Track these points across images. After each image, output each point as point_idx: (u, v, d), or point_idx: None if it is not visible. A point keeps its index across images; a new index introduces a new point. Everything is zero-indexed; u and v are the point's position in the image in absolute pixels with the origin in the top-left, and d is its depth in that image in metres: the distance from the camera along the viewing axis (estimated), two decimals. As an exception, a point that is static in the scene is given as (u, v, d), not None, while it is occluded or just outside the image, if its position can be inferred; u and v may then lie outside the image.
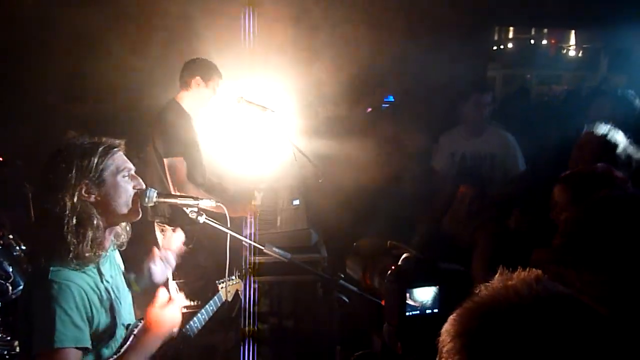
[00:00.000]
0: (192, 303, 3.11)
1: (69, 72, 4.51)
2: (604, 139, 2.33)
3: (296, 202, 3.35)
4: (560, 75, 11.25)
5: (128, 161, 1.75)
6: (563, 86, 10.79)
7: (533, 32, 9.94)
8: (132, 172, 1.75)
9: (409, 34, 6.60)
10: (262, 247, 1.98)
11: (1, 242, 2.81)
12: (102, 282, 1.68)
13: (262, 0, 5.09)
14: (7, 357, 2.46)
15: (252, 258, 2.62)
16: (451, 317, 0.77)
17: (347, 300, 1.97)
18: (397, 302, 1.22)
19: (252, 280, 2.65)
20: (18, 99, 4.35)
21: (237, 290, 2.51)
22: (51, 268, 1.53)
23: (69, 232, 1.55)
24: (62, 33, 4.39)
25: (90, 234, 1.58)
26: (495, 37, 10.20)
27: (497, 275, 0.79)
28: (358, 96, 5.21)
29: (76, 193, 1.57)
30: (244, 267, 2.63)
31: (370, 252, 1.43)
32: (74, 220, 1.56)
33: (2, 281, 2.70)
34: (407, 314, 1.22)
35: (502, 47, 10.46)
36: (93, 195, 1.61)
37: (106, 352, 1.66)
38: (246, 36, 4.89)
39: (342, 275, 1.97)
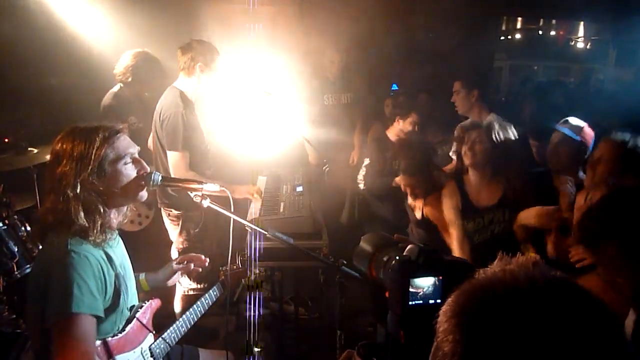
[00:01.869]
0: (198, 286, 3.15)
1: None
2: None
3: (299, 188, 3.36)
4: (568, 67, 11.17)
5: (131, 144, 1.75)
6: (570, 78, 10.73)
7: (541, 23, 9.84)
8: (135, 155, 1.75)
9: (418, 24, 6.57)
10: (266, 232, 1.99)
11: (7, 221, 2.82)
12: (112, 259, 1.71)
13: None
14: (13, 335, 2.48)
15: (255, 243, 2.64)
16: (449, 299, 0.77)
17: (346, 284, 1.99)
18: (400, 291, 1.23)
19: (254, 266, 2.67)
20: (25, 81, 4.33)
21: (239, 277, 2.53)
22: (70, 240, 1.56)
23: (78, 219, 1.58)
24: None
25: (98, 220, 1.61)
26: (503, 27, 10.12)
27: (496, 261, 0.80)
28: (366, 85, 5.18)
29: (78, 185, 1.59)
30: (247, 252, 2.65)
31: (376, 245, 1.45)
32: (81, 210, 1.59)
33: (7, 260, 2.73)
34: (410, 303, 1.23)
35: (509, 37, 10.37)
36: (95, 184, 1.63)
37: (107, 327, 1.69)
38: (252, 20, 4.86)
39: (344, 262, 1.99)
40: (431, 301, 1.24)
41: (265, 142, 3.86)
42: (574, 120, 2.94)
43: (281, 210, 2.98)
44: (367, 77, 5.35)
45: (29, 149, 3.17)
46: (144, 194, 1.77)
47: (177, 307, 3.27)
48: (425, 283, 1.25)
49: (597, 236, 1.31)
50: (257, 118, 3.78)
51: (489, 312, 0.70)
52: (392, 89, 6.22)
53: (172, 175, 2.96)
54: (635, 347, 1.50)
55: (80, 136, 1.64)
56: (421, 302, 1.24)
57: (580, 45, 10.70)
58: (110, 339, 1.71)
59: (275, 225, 2.78)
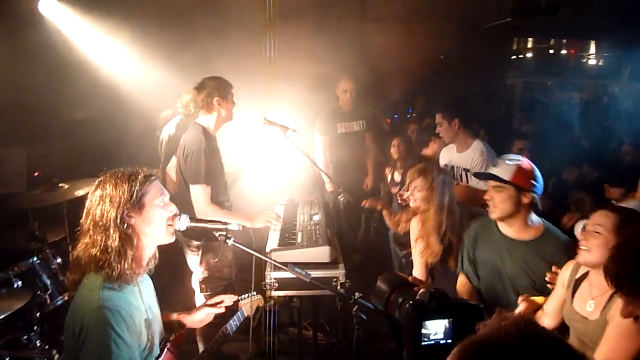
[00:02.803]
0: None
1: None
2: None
3: (316, 217, 3.44)
4: (581, 83, 11.19)
5: (164, 189, 1.90)
6: (583, 95, 10.74)
7: (552, 42, 9.91)
8: (167, 199, 1.90)
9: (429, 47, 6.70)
10: (285, 268, 2.11)
11: (40, 255, 2.98)
12: (142, 301, 1.83)
13: (284, 15, 5.25)
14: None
15: (274, 274, 2.75)
16: (453, 350, 0.89)
17: (365, 318, 2.07)
18: (413, 333, 1.36)
19: (272, 295, 2.77)
20: (53, 115, 4.55)
21: (257, 306, 2.63)
22: (102, 293, 1.67)
23: (112, 250, 1.70)
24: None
25: (130, 253, 1.73)
26: (515, 47, 10.21)
27: (495, 315, 0.91)
28: (379, 111, 5.31)
29: (119, 215, 1.72)
30: (266, 282, 2.76)
31: (393, 285, 1.57)
32: (117, 241, 1.71)
33: (41, 293, 2.88)
34: (423, 343, 1.35)
35: (521, 56, 10.45)
36: (133, 218, 1.77)
37: None
38: (267, 52, 5.04)
39: (361, 294, 2.08)
40: (442, 342, 1.37)
41: (282, 172, 4.00)
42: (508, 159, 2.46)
43: (299, 240, 3.07)
44: (378, 103, 5.48)
45: (60, 184, 3.33)
46: (173, 235, 1.90)
47: (199, 335, 3.37)
48: (436, 325, 1.37)
49: (628, 277, 1.34)
50: (275, 149, 3.93)
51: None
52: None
53: (195, 208, 3.10)
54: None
55: (121, 178, 1.79)
56: (432, 342, 1.37)
57: (592, 61, 10.72)
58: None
59: (293, 255, 2.90)
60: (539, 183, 2.41)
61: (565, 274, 2.18)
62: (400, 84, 7.11)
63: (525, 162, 2.44)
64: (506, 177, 2.36)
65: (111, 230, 1.72)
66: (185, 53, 4.89)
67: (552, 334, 0.86)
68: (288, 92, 5.03)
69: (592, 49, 10.31)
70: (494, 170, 2.43)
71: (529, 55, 10.38)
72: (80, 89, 4.61)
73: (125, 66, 4.71)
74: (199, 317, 2.25)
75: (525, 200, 2.37)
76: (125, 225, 1.75)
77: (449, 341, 1.36)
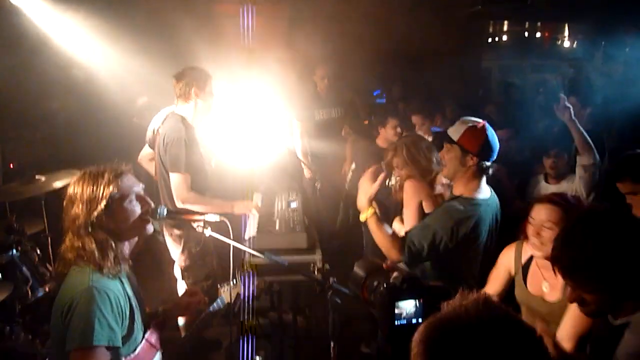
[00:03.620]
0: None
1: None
2: None
3: (294, 204, 3.51)
4: (556, 65, 11.38)
5: (135, 183, 1.93)
6: (557, 76, 10.93)
7: (527, 25, 10.05)
8: (140, 192, 1.93)
9: (406, 34, 6.73)
10: (262, 256, 2.18)
11: (19, 248, 3.00)
12: (126, 290, 1.89)
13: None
14: (30, 356, 2.66)
15: (252, 261, 2.82)
16: (419, 327, 1.01)
17: (339, 301, 2.16)
18: (387, 313, 1.48)
19: (252, 280, 2.85)
20: (27, 106, 4.49)
21: (237, 293, 2.70)
22: (91, 276, 1.74)
23: (92, 252, 1.76)
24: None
25: (111, 254, 1.79)
26: (490, 30, 10.31)
27: (457, 295, 1.03)
28: (356, 98, 5.36)
29: (89, 225, 1.78)
30: (244, 269, 2.83)
31: (368, 271, 1.68)
32: (94, 244, 1.77)
33: (22, 285, 2.91)
34: (396, 323, 1.48)
35: (497, 39, 10.57)
36: (105, 222, 1.82)
37: (123, 351, 1.87)
38: (244, 37, 5.02)
39: (335, 280, 2.17)
40: (413, 321, 1.49)
41: (259, 159, 4.03)
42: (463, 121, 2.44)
43: (277, 227, 3.15)
44: (356, 89, 5.53)
45: (37, 177, 3.33)
46: (150, 228, 1.95)
47: (181, 320, 3.45)
48: (407, 305, 1.49)
49: (571, 268, 1.42)
50: (251, 136, 3.96)
51: (447, 342, 0.96)
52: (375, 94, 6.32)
53: (175, 196, 3.14)
54: (592, 353, 1.70)
55: (88, 180, 1.82)
56: (404, 322, 1.48)
57: (566, 44, 10.90)
58: (123, 360, 1.89)
59: (271, 241, 2.97)
60: (490, 149, 2.36)
61: (506, 260, 2.31)
62: (376, 70, 7.15)
63: (481, 126, 2.37)
64: (454, 138, 2.38)
65: (85, 236, 1.79)
66: (160, 39, 4.85)
67: (506, 311, 0.98)
68: (266, 78, 5.03)
69: (566, 31, 10.47)
70: (449, 130, 2.45)
71: (505, 38, 10.50)
72: (53, 78, 4.56)
73: (98, 54, 4.66)
74: (182, 308, 2.31)
75: (470, 162, 2.36)
76: (100, 229, 1.80)
77: (420, 320, 1.47)
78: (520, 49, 10.33)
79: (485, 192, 2.44)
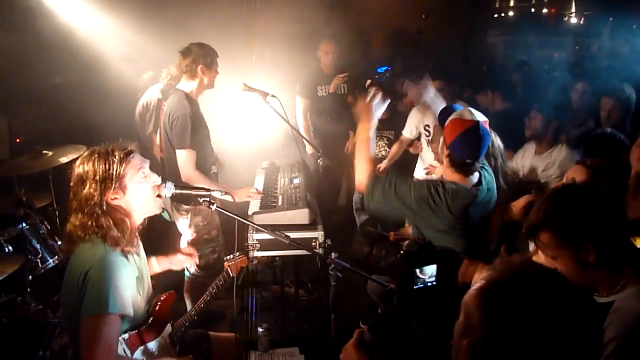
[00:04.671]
0: (205, 274, 3.42)
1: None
2: None
3: (296, 180, 3.56)
4: (562, 42, 11.25)
5: (143, 161, 1.98)
6: (563, 53, 10.82)
7: (533, 1, 9.92)
8: (147, 171, 1.99)
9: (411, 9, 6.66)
10: (265, 231, 2.24)
11: (29, 221, 3.08)
12: (136, 263, 1.97)
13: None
14: (42, 324, 2.75)
15: (256, 235, 2.88)
16: (467, 296, 1.06)
17: (340, 275, 2.23)
18: (408, 280, 1.56)
19: (255, 256, 2.92)
20: (30, 81, 4.51)
21: (241, 266, 2.77)
22: (105, 248, 1.82)
23: (104, 230, 1.82)
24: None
25: (124, 228, 1.86)
26: (497, 5, 10.18)
27: (498, 260, 1.09)
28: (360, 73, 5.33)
29: (104, 202, 1.84)
30: (248, 244, 2.90)
31: (371, 241, 1.75)
32: (106, 222, 1.83)
33: (32, 257, 3.00)
34: (415, 287, 1.57)
35: (502, 14, 10.44)
36: (117, 199, 1.88)
37: (133, 322, 1.96)
38: (246, 13, 5.00)
39: (336, 254, 2.24)
40: (429, 283, 1.59)
41: (263, 136, 4.07)
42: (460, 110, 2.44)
43: (279, 203, 3.20)
44: (360, 65, 5.49)
45: (44, 152, 3.38)
46: (161, 204, 2.02)
47: (187, 293, 3.55)
48: (427, 270, 1.59)
49: (535, 227, 1.55)
50: (255, 113, 3.98)
51: (509, 303, 0.99)
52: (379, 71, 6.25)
53: (181, 173, 3.20)
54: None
55: (98, 159, 1.86)
56: (421, 285, 1.59)
57: (573, 20, 10.77)
58: (135, 332, 1.98)
59: (274, 217, 3.03)
60: (462, 147, 2.28)
61: None
62: (382, 45, 7.10)
63: (465, 119, 2.28)
64: (443, 122, 2.41)
65: (98, 213, 1.84)
66: (162, 15, 4.83)
67: (553, 269, 1.08)
68: (268, 54, 5.02)
69: (573, 7, 10.33)
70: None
71: (511, 13, 10.37)
72: (58, 54, 4.56)
73: (103, 30, 4.65)
74: (177, 261, 2.44)
75: (445, 152, 2.36)
76: (111, 207, 1.86)
77: (434, 282, 1.59)
78: (526, 24, 10.23)
79: (468, 183, 2.36)
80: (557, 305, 0.97)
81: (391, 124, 4.83)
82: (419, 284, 1.57)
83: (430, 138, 4.11)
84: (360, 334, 1.46)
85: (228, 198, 2.30)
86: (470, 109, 2.41)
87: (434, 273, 1.58)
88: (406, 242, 1.64)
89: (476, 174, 2.40)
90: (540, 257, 1.59)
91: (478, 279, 1.08)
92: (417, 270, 1.56)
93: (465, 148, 2.28)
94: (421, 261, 1.57)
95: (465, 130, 2.26)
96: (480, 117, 2.32)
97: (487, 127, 2.34)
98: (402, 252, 1.61)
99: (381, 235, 1.83)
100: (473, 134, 2.26)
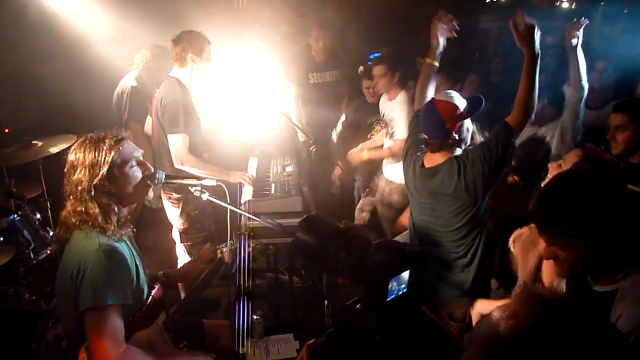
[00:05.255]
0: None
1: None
2: None
3: (289, 168, 3.57)
4: (554, 27, 11.22)
5: (135, 149, 1.98)
6: (556, 38, 10.79)
7: (526, -15, 9.85)
8: (140, 158, 1.98)
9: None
10: (258, 219, 2.25)
11: (20, 212, 3.06)
12: (131, 250, 1.97)
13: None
14: (36, 314, 2.76)
15: (249, 223, 2.88)
16: (470, 334, 1.03)
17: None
18: (381, 292, 1.38)
19: (248, 243, 2.93)
20: (19, 69, 4.43)
21: (235, 254, 2.77)
22: (98, 238, 1.81)
23: (96, 216, 1.82)
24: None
25: (114, 217, 1.86)
26: (489, -10, 10.12)
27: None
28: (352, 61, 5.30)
29: (93, 189, 1.84)
30: (241, 232, 2.90)
31: (324, 238, 1.49)
32: (97, 208, 1.83)
33: (24, 248, 2.98)
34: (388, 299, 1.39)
35: (495, 0, 10.38)
36: (108, 187, 1.88)
37: (129, 310, 1.96)
38: (238, 1, 4.93)
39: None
40: (400, 292, 1.40)
41: (255, 124, 4.05)
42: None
43: (272, 191, 3.21)
44: (352, 53, 5.44)
45: (33, 142, 3.35)
46: (150, 193, 2.01)
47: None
48: (399, 280, 1.41)
49: (549, 220, 1.45)
50: (247, 101, 3.96)
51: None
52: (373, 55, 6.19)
53: (174, 157, 3.19)
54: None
55: (89, 145, 1.87)
56: (394, 296, 1.40)
57: (565, 4, 10.72)
58: (129, 319, 1.97)
59: (267, 205, 3.04)
60: (427, 125, 2.56)
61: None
62: (371, 32, 7.04)
63: (448, 104, 2.48)
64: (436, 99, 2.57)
65: (89, 200, 1.84)
66: (153, 1, 4.76)
67: (552, 296, 1.00)
68: (261, 41, 4.96)
69: (565, -9, 10.29)
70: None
71: (503, -1, 10.32)
72: (46, 41, 4.48)
73: (92, 17, 4.58)
74: (182, 272, 2.41)
75: None
76: (103, 193, 1.85)
77: (405, 290, 1.42)
78: (519, 10, 10.18)
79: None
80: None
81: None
82: (390, 295, 1.38)
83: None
84: (313, 347, 1.39)
85: (224, 179, 2.29)
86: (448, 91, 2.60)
87: (407, 280, 1.40)
88: (373, 244, 1.42)
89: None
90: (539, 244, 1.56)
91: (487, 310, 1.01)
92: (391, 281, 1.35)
93: (429, 123, 2.56)
94: (396, 269, 1.37)
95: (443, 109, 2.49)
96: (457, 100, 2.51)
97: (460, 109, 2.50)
98: (374, 264, 1.38)
99: (337, 228, 1.52)
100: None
